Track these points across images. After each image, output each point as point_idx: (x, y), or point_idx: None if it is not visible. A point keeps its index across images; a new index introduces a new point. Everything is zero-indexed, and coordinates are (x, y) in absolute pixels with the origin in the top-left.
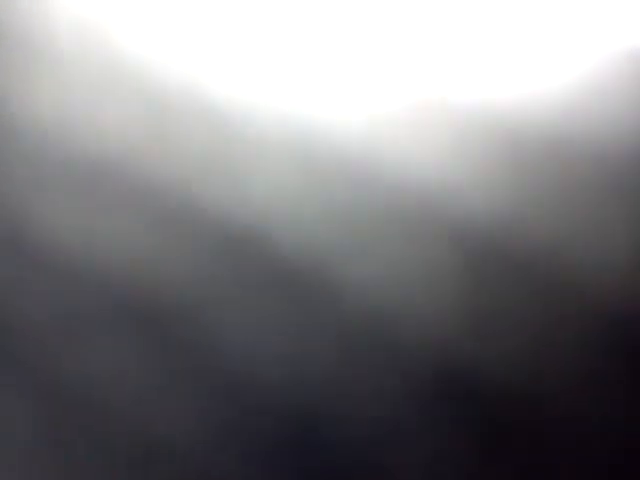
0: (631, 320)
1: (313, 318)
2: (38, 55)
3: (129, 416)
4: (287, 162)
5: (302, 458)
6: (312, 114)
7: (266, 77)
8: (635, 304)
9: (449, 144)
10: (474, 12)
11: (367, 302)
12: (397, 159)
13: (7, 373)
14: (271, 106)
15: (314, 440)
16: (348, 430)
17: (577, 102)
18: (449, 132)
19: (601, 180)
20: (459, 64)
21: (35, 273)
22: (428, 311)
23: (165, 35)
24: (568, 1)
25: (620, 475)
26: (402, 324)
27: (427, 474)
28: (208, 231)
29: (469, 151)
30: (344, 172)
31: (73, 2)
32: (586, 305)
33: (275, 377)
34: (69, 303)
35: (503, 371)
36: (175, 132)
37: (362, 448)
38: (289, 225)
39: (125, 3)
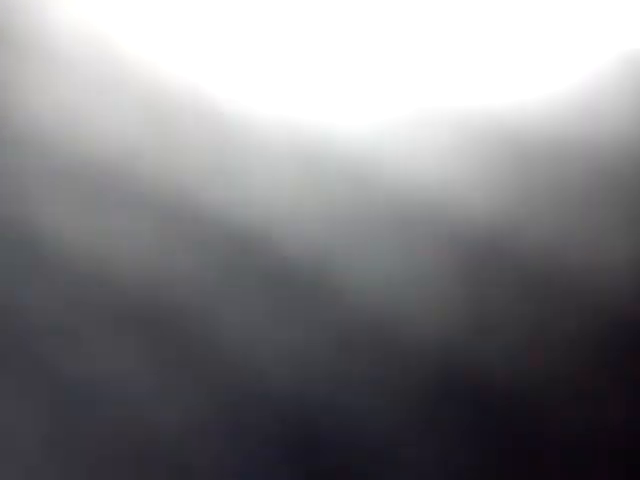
0: (630, 320)
1: (314, 319)
2: (39, 59)
3: (130, 416)
4: (288, 164)
5: (304, 456)
6: (313, 117)
7: (268, 81)
8: (634, 304)
9: (450, 148)
10: (475, 17)
11: (367, 302)
12: (398, 162)
13: (8, 374)
14: (273, 109)
15: (315, 438)
16: (349, 428)
17: (577, 105)
18: (450, 136)
19: (600, 183)
20: (460, 69)
21: (37, 274)
22: (428, 311)
23: (167, 39)
24: (567, 5)
25: (620, 475)
26: (402, 324)
27: (429, 472)
28: (209, 232)
29: (470, 155)
30: (345, 174)
31: (75, 6)
32: (586, 305)
33: (276, 377)
34: (70, 304)
35: (503, 370)
36: (177, 135)
37: (363, 446)
38: (290, 226)
39: (127, 7)
